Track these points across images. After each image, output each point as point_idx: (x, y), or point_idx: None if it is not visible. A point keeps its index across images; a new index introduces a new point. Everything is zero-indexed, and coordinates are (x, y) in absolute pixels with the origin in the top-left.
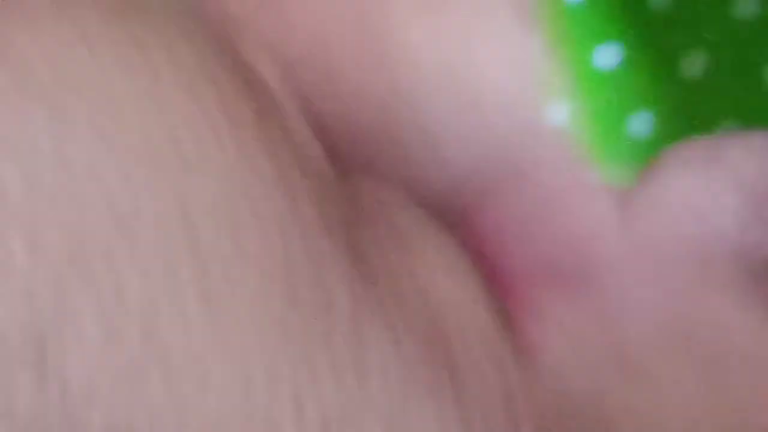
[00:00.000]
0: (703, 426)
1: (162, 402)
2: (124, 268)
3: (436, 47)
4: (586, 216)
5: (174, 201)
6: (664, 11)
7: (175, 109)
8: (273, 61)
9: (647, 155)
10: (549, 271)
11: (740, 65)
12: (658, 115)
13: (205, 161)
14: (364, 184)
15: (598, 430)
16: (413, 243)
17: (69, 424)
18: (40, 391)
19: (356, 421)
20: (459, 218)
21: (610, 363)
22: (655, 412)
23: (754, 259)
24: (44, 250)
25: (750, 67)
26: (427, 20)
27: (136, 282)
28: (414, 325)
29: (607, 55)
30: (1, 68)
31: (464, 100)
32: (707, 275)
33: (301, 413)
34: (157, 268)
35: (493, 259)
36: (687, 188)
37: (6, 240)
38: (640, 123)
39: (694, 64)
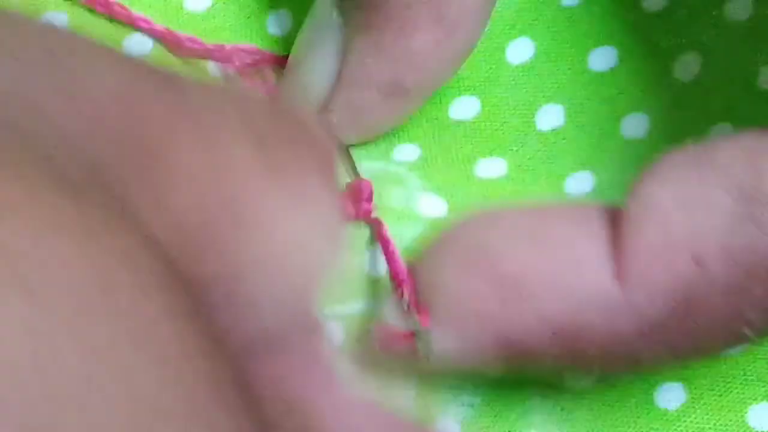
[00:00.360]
0: None
1: None
2: None
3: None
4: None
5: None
6: (658, 13)
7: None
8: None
9: (641, 157)
10: None
11: (734, 67)
12: (652, 118)
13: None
14: None
15: None
16: None
17: None
18: None
19: None
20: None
21: None
22: None
23: (745, 258)
24: None
25: (743, 69)
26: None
27: None
28: None
29: (602, 58)
30: None
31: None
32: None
33: None
34: None
35: None
36: (677, 190)
37: None
38: (634, 125)
39: (687, 67)
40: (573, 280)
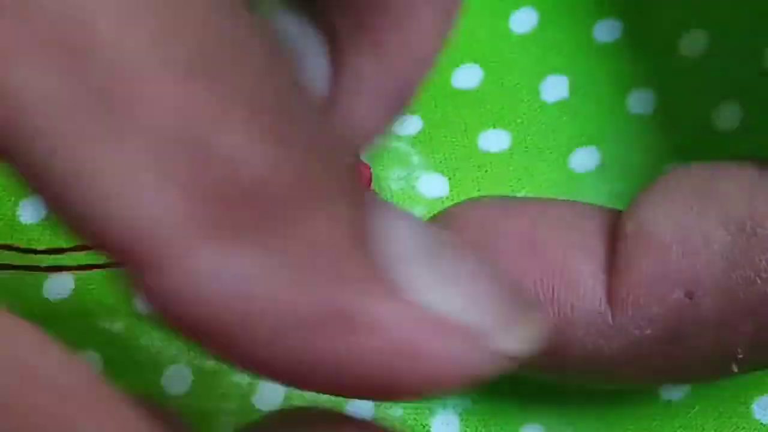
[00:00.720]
0: None
1: None
2: None
3: None
4: None
5: None
6: None
7: None
8: None
9: (647, 133)
10: None
11: (740, 46)
12: (658, 93)
13: None
14: None
15: None
16: None
17: None
18: None
19: None
20: None
21: None
22: None
23: (737, 297)
24: None
25: (750, 48)
26: None
27: None
28: None
29: (607, 30)
30: None
31: None
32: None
33: None
34: None
35: None
36: (677, 221)
37: None
38: (640, 101)
39: (693, 43)
40: (564, 296)
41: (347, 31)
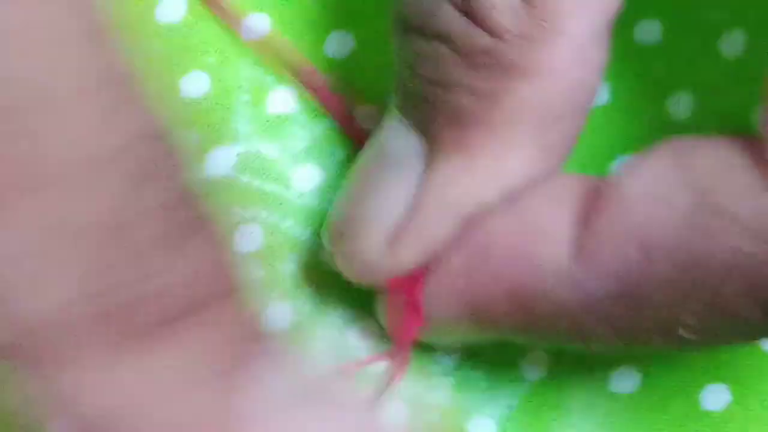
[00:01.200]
0: None
1: None
2: None
3: None
4: None
5: None
6: None
7: None
8: None
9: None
10: None
11: None
12: (698, 97)
13: None
14: None
15: None
16: None
17: None
18: None
19: None
20: None
21: None
22: None
23: (688, 264)
24: None
25: None
26: None
27: None
28: None
29: (648, 32)
30: None
31: None
32: None
33: None
34: None
35: None
36: (649, 183)
37: None
38: (680, 104)
39: (732, 44)
40: (533, 247)
41: (443, 149)
